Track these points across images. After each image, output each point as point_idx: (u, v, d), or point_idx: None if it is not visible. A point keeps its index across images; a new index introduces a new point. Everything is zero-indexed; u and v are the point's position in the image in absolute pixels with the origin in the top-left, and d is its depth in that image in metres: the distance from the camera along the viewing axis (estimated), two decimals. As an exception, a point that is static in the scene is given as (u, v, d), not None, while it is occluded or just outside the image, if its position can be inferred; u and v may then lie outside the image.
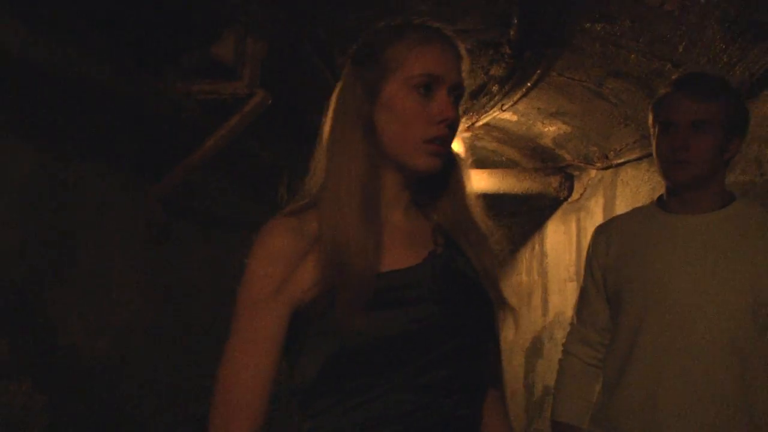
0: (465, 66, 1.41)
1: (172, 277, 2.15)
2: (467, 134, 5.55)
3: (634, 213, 2.24)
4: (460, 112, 1.42)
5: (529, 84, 4.21)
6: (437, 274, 1.34)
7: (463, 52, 1.41)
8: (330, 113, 1.39)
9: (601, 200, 5.27)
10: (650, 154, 4.45)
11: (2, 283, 1.55)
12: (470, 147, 5.99)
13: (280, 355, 1.26)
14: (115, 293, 1.96)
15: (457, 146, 5.29)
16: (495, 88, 4.19)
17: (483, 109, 4.64)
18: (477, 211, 1.46)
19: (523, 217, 6.24)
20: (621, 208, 4.97)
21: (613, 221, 2.29)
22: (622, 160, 4.83)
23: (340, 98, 1.38)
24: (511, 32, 3.38)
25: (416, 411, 1.25)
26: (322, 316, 1.25)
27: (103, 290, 1.91)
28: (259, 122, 2.16)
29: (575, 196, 5.66)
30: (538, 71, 4.01)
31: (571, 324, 2.28)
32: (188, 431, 2.39)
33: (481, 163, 6.20)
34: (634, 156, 4.65)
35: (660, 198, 2.14)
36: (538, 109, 4.87)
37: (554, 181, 5.63)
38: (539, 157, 5.65)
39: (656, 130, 2.06)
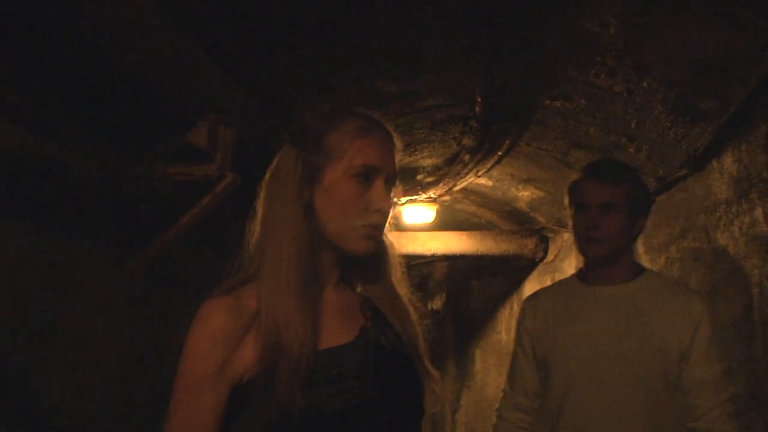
0: (398, 156, 1.46)
1: (149, 342, 2.33)
2: (447, 198, 5.76)
3: (558, 285, 2.43)
4: (396, 195, 1.49)
5: (500, 153, 4.44)
6: (369, 350, 1.37)
7: (398, 143, 1.46)
8: (266, 191, 1.41)
9: (573, 261, 5.46)
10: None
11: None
12: (450, 210, 6.20)
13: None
14: (94, 358, 2.14)
15: (433, 210, 5.50)
16: (467, 157, 4.42)
17: (458, 175, 4.85)
18: (403, 286, 1.50)
19: (503, 276, 6.43)
20: (592, 269, 5.16)
21: (539, 293, 2.46)
22: (591, 225, 5.01)
23: (278, 177, 1.39)
24: (477, 108, 3.61)
25: None
26: (260, 394, 1.26)
27: (84, 356, 2.09)
28: (231, 198, 2.37)
29: (550, 257, 5.85)
30: (507, 142, 4.25)
31: (504, 390, 2.40)
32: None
33: (460, 225, 6.39)
34: (601, 221, 4.83)
35: (579, 271, 2.34)
36: (512, 175, 5.10)
37: (530, 243, 5.83)
38: (516, 219, 5.87)
39: (572, 211, 2.27)
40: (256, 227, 1.40)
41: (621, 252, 2.21)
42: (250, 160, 2.26)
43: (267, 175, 1.43)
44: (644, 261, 4.47)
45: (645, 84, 3.13)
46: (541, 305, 2.32)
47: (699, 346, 2.07)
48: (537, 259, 5.91)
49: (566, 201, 2.35)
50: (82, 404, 2.09)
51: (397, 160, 1.45)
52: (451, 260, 6.99)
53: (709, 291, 3.48)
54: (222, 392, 1.26)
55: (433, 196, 5.46)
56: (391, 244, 1.50)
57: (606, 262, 2.19)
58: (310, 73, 2.77)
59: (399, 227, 6.01)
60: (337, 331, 1.37)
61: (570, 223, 2.30)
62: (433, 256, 6.08)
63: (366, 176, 1.37)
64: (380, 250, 1.46)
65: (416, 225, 5.73)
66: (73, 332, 2.06)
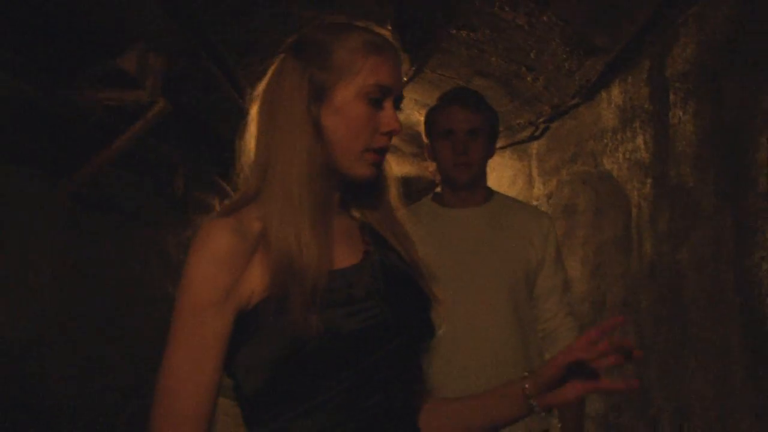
0: (403, 74, 1.37)
1: (83, 262, 2.42)
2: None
3: (415, 210, 2.41)
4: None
5: (405, 79, 4.60)
6: (377, 271, 1.32)
7: (402, 60, 1.36)
8: (265, 107, 1.31)
9: (471, 183, 5.76)
10: (513, 144, 4.97)
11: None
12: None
13: (224, 362, 1.21)
14: (31, 279, 2.23)
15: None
16: (374, 82, 4.56)
17: (364, 99, 5.00)
18: (400, 208, 1.43)
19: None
20: (489, 191, 5.48)
21: None
22: (489, 148, 5.29)
23: (282, 92, 1.29)
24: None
25: (368, 411, 1.23)
26: (270, 318, 1.20)
27: (21, 277, 2.17)
28: (161, 124, 2.45)
29: (449, 179, 6.13)
30: (413, 68, 4.41)
31: None
32: (110, 400, 2.66)
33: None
34: (499, 145, 5.11)
35: (435, 195, 2.45)
36: (415, 100, 5.29)
37: (430, 166, 6.06)
38: (417, 143, 6.09)
39: (435, 138, 2.37)
40: (250, 145, 1.31)
41: (482, 176, 2.39)
42: (178, 86, 2.35)
43: (262, 90, 1.32)
44: (537, 184, 4.80)
45: (545, 18, 3.35)
46: None
47: (549, 257, 2.34)
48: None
49: (426, 129, 2.44)
50: (23, 320, 2.19)
51: (403, 78, 1.35)
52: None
53: (595, 211, 3.83)
54: (228, 318, 1.20)
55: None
56: (390, 166, 1.41)
57: (471, 185, 2.34)
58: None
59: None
60: (342, 253, 1.31)
61: (431, 149, 2.40)
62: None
63: (378, 97, 1.28)
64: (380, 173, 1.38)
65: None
66: (8, 253, 2.13)
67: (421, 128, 2.76)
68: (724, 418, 2.26)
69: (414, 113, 5.49)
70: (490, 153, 2.37)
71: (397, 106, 1.31)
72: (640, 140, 3.15)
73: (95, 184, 2.36)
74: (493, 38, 3.79)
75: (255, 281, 1.20)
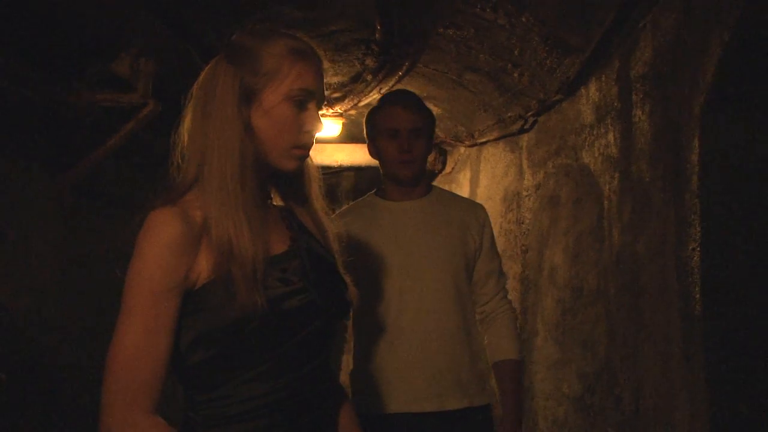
0: (324, 79, 1.51)
1: (81, 247, 2.65)
2: (353, 112, 6.09)
3: (360, 205, 2.65)
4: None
5: (400, 73, 4.78)
6: (304, 257, 1.46)
7: (325, 65, 1.58)
8: (199, 105, 1.42)
9: (468, 173, 5.94)
10: (506, 136, 5.14)
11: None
12: (356, 123, 6.53)
13: (174, 338, 1.32)
14: (32, 262, 2.46)
15: (339, 124, 5.83)
16: (369, 77, 4.74)
17: (362, 93, 5.18)
18: (320, 200, 1.59)
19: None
20: (484, 181, 5.66)
21: (343, 214, 2.59)
22: (484, 140, 5.47)
23: (215, 93, 1.40)
24: (376, 34, 3.94)
25: (298, 378, 1.40)
26: (217, 297, 1.32)
27: (24, 260, 2.40)
28: (154, 120, 2.66)
29: (448, 169, 6.31)
30: (406, 64, 4.59)
31: None
32: (101, 367, 2.90)
33: (365, 138, 6.73)
34: (493, 137, 5.29)
35: (378, 190, 2.62)
36: (412, 93, 5.47)
37: (429, 156, 6.25)
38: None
39: (379, 137, 2.53)
40: (184, 138, 1.43)
41: (423, 172, 2.58)
42: (168, 88, 2.58)
43: (196, 89, 1.44)
44: (527, 175, 4.97)
45: (524, 19, 3.52)
46: (351, 223, 2.47)
47: (486, 244, 2.55)
48: (436, 171, 6.37)
49: (369, 128, 2.60)
50: (24, 301, 2.42)
51: (324, 83, 1.51)
52: (357, 171, 7.37)
53: (575, 202, 4.00)
54: (179, 298, 1.32)
55: (339, 111, 5.77)
56: (312, 161, 1.57)
57: (414, 181, 2.53)
58: (219, 3, 3.03)
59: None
60: (274, 240, 1.45)
61: (374, 148, 2.57)
62: (339, 167, 6.44)
63: (302, 100, 1.42)
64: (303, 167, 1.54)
65: (323, 137, 6.06)
66: (14, 240, 2.36)
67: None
68: (668, 395, 2.45)
69: (412, 106, 5.67)
70: (429, 150, 2.57)
71: (319, 107, 1.47)
72: (611, 136, 3.32)
73: (93, 177, 2.58)
74: (478, 36, 3.96)
75: (201, 265, 1.33)
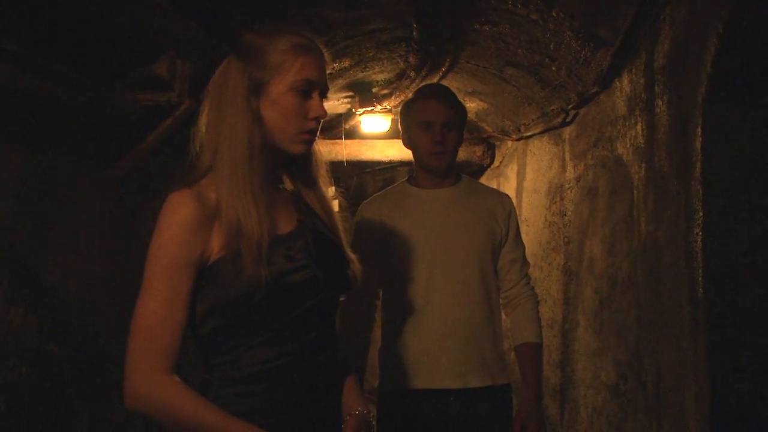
0: (328, 68, 1.67)
1: (127, 237, 2.87)
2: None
3: (392, 192, 2.80)
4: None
5: (443, 69, 4.89)
6: (309, 237, 1.60)
7: (327, 58, 1.65)
8: (213, 100, 1.58)
9: (515, 167, 6.00)
10: (549, 129, 5.20)
11: (3, 243, 2.27)
12: (407, 119, 6.65)
13: (189, 309, 1.47)
14: (83, 249, 2.69)
15: (388, 120, 5.96)
16: (413, 74, 4.87)
17: (408, 89, 5.30)
18: (326, 183, 1.73)
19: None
20: (530, 174, 5.72)
21: (376, 200, 2.80)
22: (530, 133, 5.53)
23: (227, 88, 1.55)
24: (414, 32, 4.06)
25: (302, 345, 1.55)
26: (227, 272, 1.46)
27: (74, 248, 2.63)
28: (190, 117, 2.86)
29: (496, 163, 6.38)
30: (448, 60, 4.70)
31: None
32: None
33: (417, 133, 6.84)
34: (538, 130, 5.35)
35: (410, 178, 2.78)
36: (458, 88, 5.56)
37: (478, 150, 6.35)
38: (465, 128, 6.35)
39: (413, 128, 2.66)
40: (201, 130, 1.58)
41: (454, 161, 2.71)
42: (204, 87, 2.75)
43: (211, 86, 1.60)
44: (569, 167, 5.02)
45: (554, 13, 3.59)
46: (384, 209, 2.66)
47: (511, 232, 2.67)
48: (485, 165, 6.45)
49: (404, 120, 2.73)
50: (74, 285, 2.65)
51: (327, 73, 1.65)
52: (411, 166, 7.48)
53: (610, 192, 4.05)
54: (193, 272, 1.46)
55: (388, 107, 5.91)
56: (318, 148, 1.70)
57: (446, 171, 2.68)
58: (256, 4, 3.21)
59: (358, 135, 6.50)
60: (281, 221, 1.60)
61: (410, 138, 2.70)
62: (390, 162, 6.58)
63: (306, 89, 1.56)
64: (310, 152, 1.68)
65: (374, 133, 6.22)
66: (65, 229, 2.59)
67: (468, 115, 3.06)
68: (681, 376, 2.51)
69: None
70: (460, 142, 2.70)
71: (322, 96, 1.61)
72: (639, 127, 3.37)
73: (136, 170, 2.80)
74: (513, 32, 4.04)
75: (214, 242, 1.48)
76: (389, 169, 7.88)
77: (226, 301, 1.49)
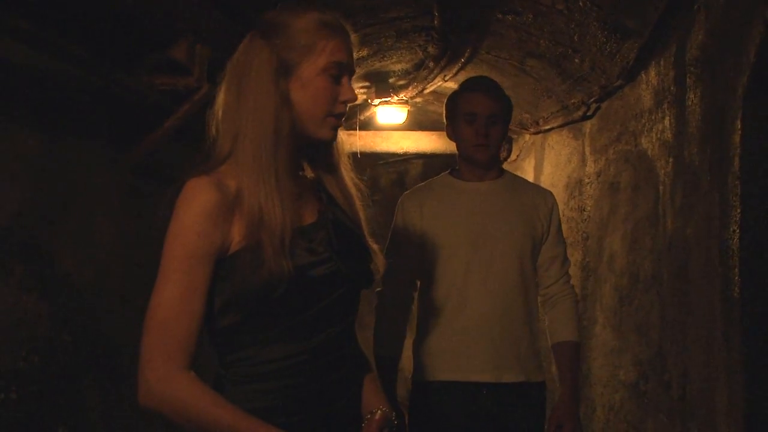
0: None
1: (142, 225, 2.80)
2: (419, 100, 6.13)
3: (434, 183, 2.76)
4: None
5: (462, 60, 4.80)
6: (331, 228, 1.53)
7: (355, 41, 1.58)
8: (236, 81, 1.47)
9: (533, 161, 5.92)
10: (569, 123, 5.11)
11: (17, 229, 2.21)
12: (423, 111, 6.58)
13: (206, 301, 1.39)
14: (96, 236, 2.62)
15: (404, 111, 5.88)
16: (432, 64, 4.79)
17: (426, 80, 5.22)
18: (349, 171, 1.66)
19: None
20: (548, 168, 5.63)
21: (419, 189, 2.78)
22: (548, 127, 5.44)
23: (251, 68, 1.45)
24: (435, 21, 3.98)
25: (321, 340, 1.48)
26: (247, 263, 1.38)
27: (88, 235, 2.56)
28: (209, 102, 2.79)
29: (513, 156, 6.30)
30: (468, 50, 4.61)
31: (384, 276, 2.48)
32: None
33: (433, 126, 6.77)
34: (557, 123, 5.26)
35: (453, 170, 2.72)
36: (476, 80, 5.48)
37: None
38: (482, 121, 6.26)
39: (458, 119, 2.62)
40: (218, 114, 1.48)
41: (497, 156, 2.70)
42: (223, 71, 2.68)
43: (231, 67, 1.49)
44: (589, 162, 4.93)
45: (580, 3, 3.50)
46: (425, 200, 2.65)
47: (553, 229, 2.61)
48: (502, 158, 6.36)
49: (448, 110, 2.70)
50: (88, 273, 2.58)
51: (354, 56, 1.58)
52: (425, 159, 7.41)
53: (633, 188, 3.96)
54: (212, 263, 1.39)
55: (404, 98, 5.82)
56: (341, 136, 1.62)
57: (489, 164, 2.64)
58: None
59: (373, 126, 6.42)
60: (304, 212, 1.52)
61: (452, 130, 2.67)
62: (405, 154, 6.50)
63: (337, 73, 1.49)
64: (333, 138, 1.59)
65: (389, 125, 6.13)
66: (79, 215, 2.52)
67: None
68: (710, 378, 2.43)
69: (476, 93, 5.68)
70: (504, 136, 2.65)
71: (350, 78, 1.54)
72: (667, 121, 3.28)
73: (152, 157, 2.73)
74: (537, 22, 3.96)
75: (234, 232, 1.40)
76: (403, 161, 7.80)
77: (245, 294, 1.41)
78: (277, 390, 1.47)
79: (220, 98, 1.50)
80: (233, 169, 1.44)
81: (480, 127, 2.55)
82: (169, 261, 1.38)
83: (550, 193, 2.78)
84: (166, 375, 1.34)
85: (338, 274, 1.50)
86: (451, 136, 2.72)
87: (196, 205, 1.38)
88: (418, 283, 2.69)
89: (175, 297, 1.36)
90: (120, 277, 2.73)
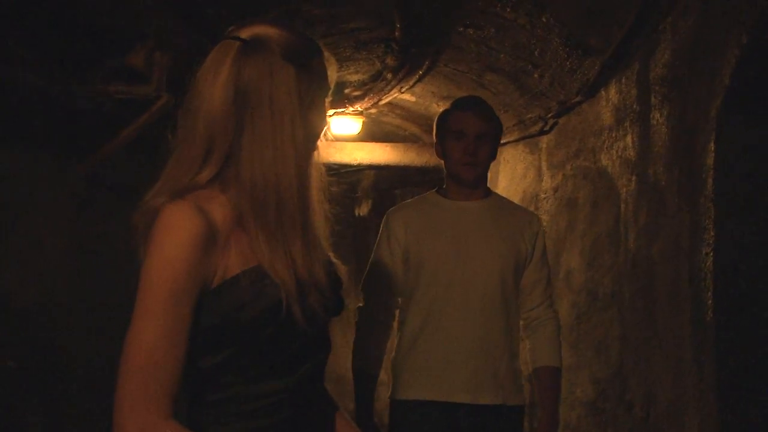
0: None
1: (94, 237, 2.67)
2: (373, 111, 6.08)
3: (422, 200, 2.74)
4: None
5: (420, 72, 4.77)
6: None
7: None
8: (255, 102, 1.30)
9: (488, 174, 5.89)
10: (526, 137, 5.11)
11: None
12: (377, 122, 6.53)
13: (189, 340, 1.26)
14: (43, 250, 2.48)
15: (359, 122, 5.82)
16: (389, 75, 4.73)
17: (382, 91, 5.17)
18: (323, 199, 1.50)
19: (425, 186, 6.84)
20: (503, 182, 5.62)
21: (405, 206, 2.78)
22: (504, 141, 5.42)
23: (278, 93, 1.32)
24: (396, 33, 3.93)
25: (301, 375, 1.39)
26: (229, 298, 1.28)
27: (34, 248, 2.42)
28: (168, 113, 2.68)
29: (467, 170, 6.26)
30: (426, 63, 4.58)
31: (369, 295, 2.61)
32: (114, 360, 2.93)
33: (387, 137, 6.72)
34: (513, 138, 5.26)
35: (440, 189, 2.70)
36: (433, 92, 5.45)
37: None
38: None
39: (447, 138, 2.60)
40: (211, 129, 1.30)
41: (485, 176, 2.66)
42: (183, 80, 2.58)
43: (245, 84, 1.30)
44: (546, 177, 4.94)
45: (544, 19, 3.49)
46: (411, 217, 2.63)
47: (537, 252, 2.57)
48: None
49: (438, 129, 2.67)
50: (34, 290, 2.44)
51: None
52: (377, 170, 7.35)
53: (592, 205, 3.97)
54: (196, 299, 1.26)
55: (359, 109, 5.76)
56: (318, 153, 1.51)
57: (475, 183, 2.61)
58: (237, -2, 3.03)
59: (326, 137, 6.33)
60: None
61: (440, 148, 2.64)
62: (359, 165, 6.44)
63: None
64: None
65: (343, 135, 6.06)
66: (23, 229, 2.38)
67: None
68: (679, 400, 2.41)
69: (432, 105, 5.65)
70: (493, 156, 2.61)
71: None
72: (629, 139, 3.29)
73: (106, 169, 2.60)
74: (498, 36, 3.94)
75: (216, 263, 1.27)
76: (354, 171, 7.73)
77: (233, 327, 1.30)
78: (269, 426, 1.37)
79: (205, 105, 1.31)
80: (232, 196, 1.32)
81: (468, 146, 2.52)
82: (150, 297, 1.24)
83: (537, 216, 2.79)
84: (146, 424, 1.20)
85: (321, 306, 1.41)
86: (440, 154, 2.68)
87: (180, 234, 1.25)
88: (399, 300, 2.65)
89: (159, 338, 1.22)
90: (70, 294, 2.59)
